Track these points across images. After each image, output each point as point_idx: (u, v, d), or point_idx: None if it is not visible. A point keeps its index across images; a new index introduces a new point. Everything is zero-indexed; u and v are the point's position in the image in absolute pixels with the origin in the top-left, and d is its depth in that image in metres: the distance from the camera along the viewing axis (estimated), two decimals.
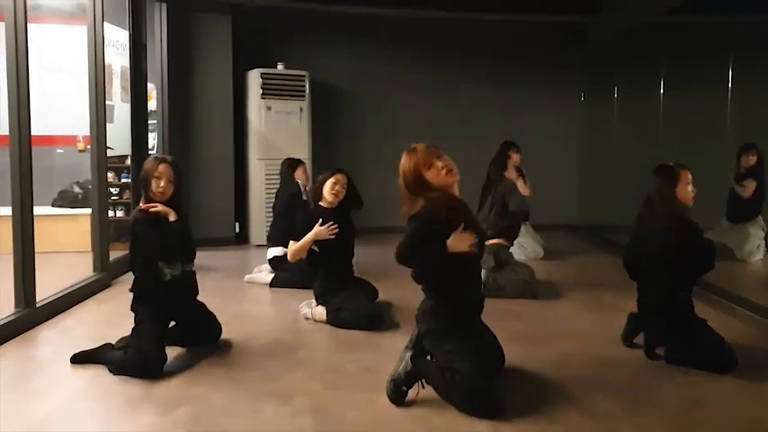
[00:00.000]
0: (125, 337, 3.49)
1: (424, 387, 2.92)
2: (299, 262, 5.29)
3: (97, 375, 3.27)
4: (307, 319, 4.28)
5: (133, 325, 3.45)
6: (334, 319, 4.17)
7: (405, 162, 3.06)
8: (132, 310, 3.49)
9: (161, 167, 3.49)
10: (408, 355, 2.97)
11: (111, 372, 3.27)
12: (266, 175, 7.35)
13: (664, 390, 3.16)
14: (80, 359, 3.41)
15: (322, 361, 3.56)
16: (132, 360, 3.25)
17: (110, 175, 6.33)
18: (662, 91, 7.86)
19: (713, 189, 7.16)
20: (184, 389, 3.10)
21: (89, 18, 5.20)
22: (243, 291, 5.27)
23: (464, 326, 3.03)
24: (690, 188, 3.55)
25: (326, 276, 4.38)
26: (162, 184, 3.46)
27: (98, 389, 3.14)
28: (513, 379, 3.17)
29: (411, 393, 2.92)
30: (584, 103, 8.91)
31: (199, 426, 2.70)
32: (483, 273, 4.69)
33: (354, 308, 4.16)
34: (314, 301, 4.36)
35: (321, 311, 4.24)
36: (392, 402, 2.90)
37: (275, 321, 4.42)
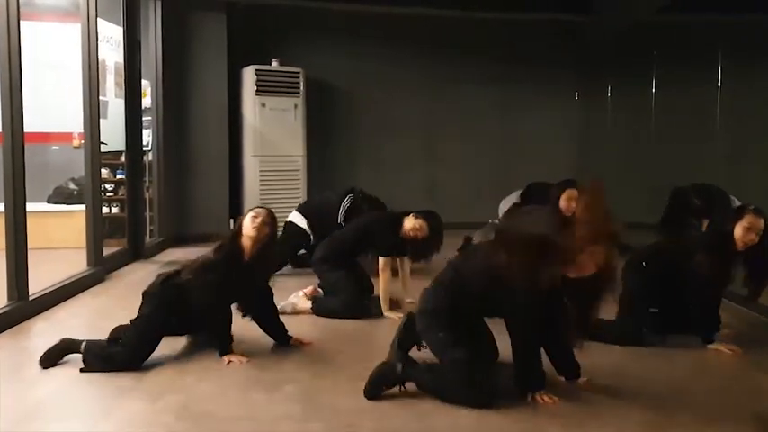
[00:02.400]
0: (121, 326, 3.48)
1: (402, 390, 2.90)
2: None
3: None
4: (283, 313, 4.08)
5: (136, 316, 3.42)
6: (319, 308, 4.22)
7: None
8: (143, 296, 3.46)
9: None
10: (399, 365, 2.92)
11: (85, 367, 3.19)
12: (261, 171, 7.41)
13: (647, 378, 3.21)
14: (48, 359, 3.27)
15: (311, 352, 3.59)
16: (121, 355, 3.23)
17: (104, 171, 6.34)
18: (654, 90, 7.92)
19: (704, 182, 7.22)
20: (174, 378, 3.14)
21: (83, 15, 5.24)
22: None
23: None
24: (747, 234, 3.53)
25: (337, 252, 4.48)
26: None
27: (90, 378, 3.17)
28: (500, 367, 3.21)
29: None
30: (579, 102, 8.95)
31: (187, 412, 2.74)
32: None
33: (341, 296, 4.22)
34: (301, 293, 4.40)
35: (304, 303, 4.29)
36: (367, 397, 2.87)
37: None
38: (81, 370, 3.18)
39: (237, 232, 3.46)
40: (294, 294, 4.44)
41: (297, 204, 6.40)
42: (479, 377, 2.82)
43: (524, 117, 8.73)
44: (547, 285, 2.72)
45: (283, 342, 3.64)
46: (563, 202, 4.64)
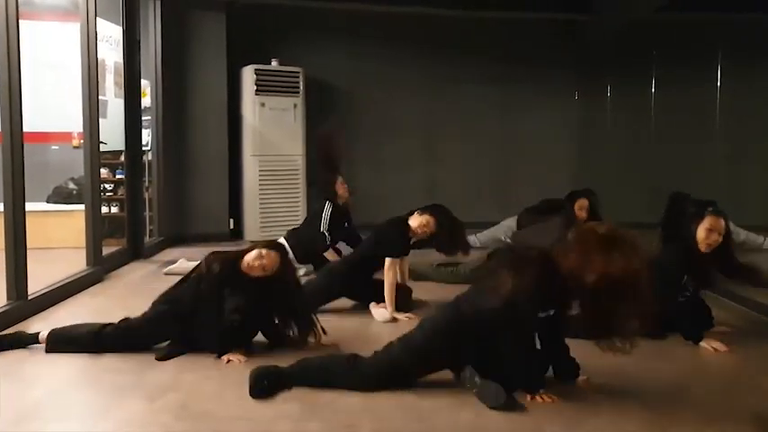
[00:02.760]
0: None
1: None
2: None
3: (88, 365, 3.31)
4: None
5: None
6: None
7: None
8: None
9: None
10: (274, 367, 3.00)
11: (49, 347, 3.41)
12: (260, 171, 7.41)
13: (647, 377, 3.20)
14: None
15: (309, 352, 3.57)
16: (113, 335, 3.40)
17: (104, 171, 6.36)
18: (653, 90, 7.92)
19: (704, 182, 7.24)
20: (173, 377, 3.13)
21: (82, 14, 5.24)
22: None
23: None
24: (709, 235, 3.60)
25: (351, 264, 4.45)
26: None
27: (89, 377, 3.18)
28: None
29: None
30: (579, 101, 8.94)
31: (186, 412, 2.74)
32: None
33: None
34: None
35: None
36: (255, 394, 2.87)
37: None
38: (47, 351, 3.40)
39: (240, 258, 3.43)
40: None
41: (295, 205, 6.44)
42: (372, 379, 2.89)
43: (524, 117, 8.72)
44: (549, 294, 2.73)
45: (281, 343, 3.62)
46: (576, 212, 4.83)
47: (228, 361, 3.31)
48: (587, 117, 8.85)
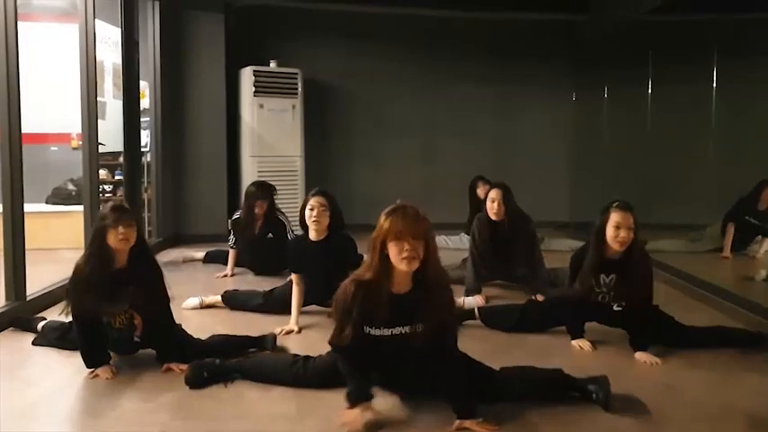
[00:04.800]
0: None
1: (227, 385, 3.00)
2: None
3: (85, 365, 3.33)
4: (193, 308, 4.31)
5: None
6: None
7: (381, 221, 2.66)
8: None
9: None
10: (217, 360, 3.09)
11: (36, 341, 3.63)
12: (258, 172, 7.41)
13: (639, 376, 3.24)
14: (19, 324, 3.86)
15: (307, 350, 3.60)
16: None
17: (103, 172, 6.40)
18: (650, 90, 7.93)
19: (700, 181, 7.26)
20: (169, 377, 3.15)
21: (80, 15, 5.26)
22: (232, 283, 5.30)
23: None
24: (616, 232, 3.39)
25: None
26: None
27: (85, 378, 3.19)
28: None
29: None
30: (576, 101, 8.97)
31: (181, 411, 2.77)
32: None
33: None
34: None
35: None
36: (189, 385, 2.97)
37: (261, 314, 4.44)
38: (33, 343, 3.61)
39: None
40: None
41: (293, 206, 6.48)
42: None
43: (522, 117, 8.76)
44: None
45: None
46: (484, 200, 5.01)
47: (95, 375, 3.12)
48: (585, 117, 8.88)
